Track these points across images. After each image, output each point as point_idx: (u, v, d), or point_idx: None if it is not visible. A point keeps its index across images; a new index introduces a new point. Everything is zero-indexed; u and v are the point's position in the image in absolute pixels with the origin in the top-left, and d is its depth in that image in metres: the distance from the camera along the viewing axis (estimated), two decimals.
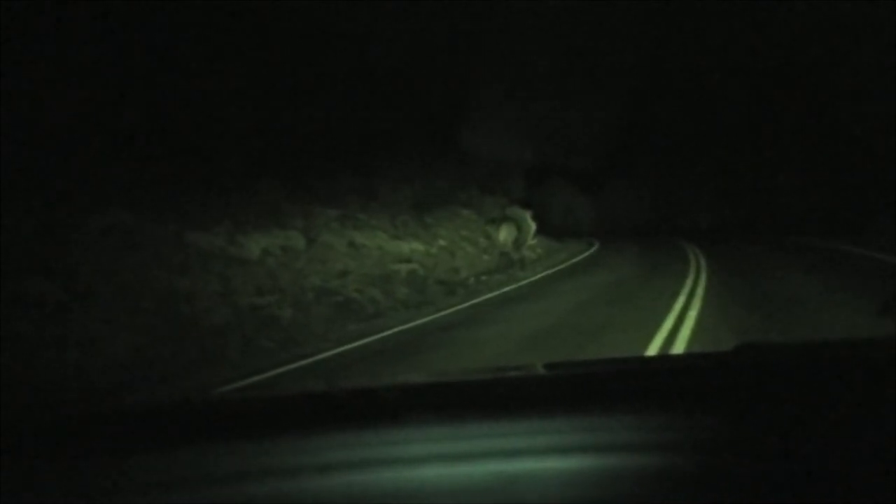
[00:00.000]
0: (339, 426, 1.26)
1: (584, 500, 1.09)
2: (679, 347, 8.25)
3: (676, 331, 9.21)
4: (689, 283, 14.60)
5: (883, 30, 23.65)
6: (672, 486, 1.10)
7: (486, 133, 22.46)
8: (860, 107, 26.54)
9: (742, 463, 1.13)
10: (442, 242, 20.77)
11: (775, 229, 32.16)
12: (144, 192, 13.61)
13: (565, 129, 28.40)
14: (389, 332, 11.08)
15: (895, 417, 1.22)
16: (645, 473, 1.12)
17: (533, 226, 25.25)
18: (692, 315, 10.36)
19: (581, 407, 1.29)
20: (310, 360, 9.18)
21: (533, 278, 18.56)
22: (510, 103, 23.33)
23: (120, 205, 12.78)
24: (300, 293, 13.38)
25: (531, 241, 24.94)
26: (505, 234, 23.54)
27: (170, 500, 1.14)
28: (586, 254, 27.05)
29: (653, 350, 8.28)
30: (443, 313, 12.83)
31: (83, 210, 11.98)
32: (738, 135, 37.53)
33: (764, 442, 1.18)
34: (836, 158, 29.93)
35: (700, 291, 13.14)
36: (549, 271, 20.42)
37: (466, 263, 19.85)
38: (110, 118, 13.43)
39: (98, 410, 1.54)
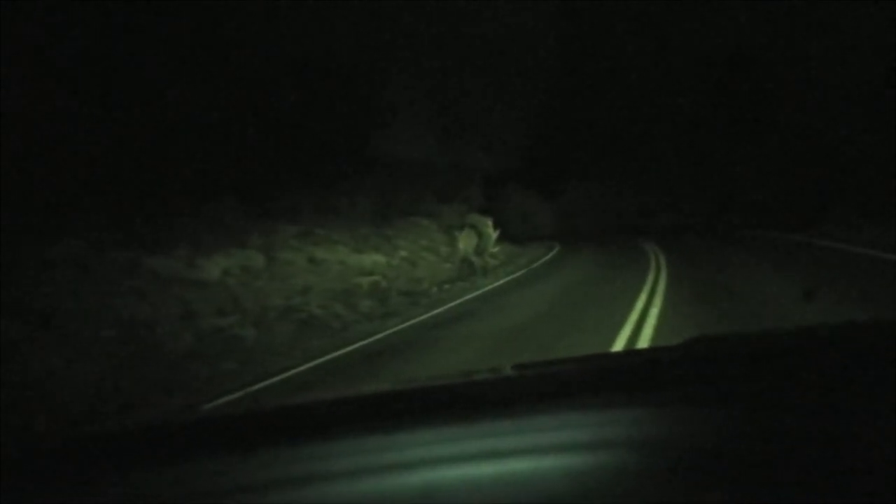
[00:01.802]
0: (272, 443, 1.26)
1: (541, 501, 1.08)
2: (643, 344, 8.35)
3: (640, 328, 9.33)
4: (650, 280, 14.77)
5: (836, 24, 24.14)
6: (632, 483, 1.10)
7: (442, 141, 22.51)
8: (814, 101, 27.04)
9: (699, 458, 1.14)
10: (403, 253, 20.76)
11: (733, 224, 32.76)
12: (98, 219, 13.43)
13: (519, 134, 28.55)
14: (354, 345, 11.02)
15: (847, 407, 1.23)
16: (608, 471, 1.13)
17: (494, 232, 25.30)
18: (654, 312, 10.47)
19: (537, 406, 1.30)
20: (275, 378, 9.09)
21: (496, 284, 18.59)
22: (463, 111, 23.41)
23: (73, 234, 12.60)
24: (262, 312, 13.28)
25: (493, 248, 24.98)
26: (465, 241, 23.54)
27: None
28: (547, 257, 27.18)
29: (617, 347, 8.37)
30: (408, 323, 12.80)
31: (36, 242, 11.79)
32: (693, 133, 38.00)
33: (718, 435, 1.19)
34: (791, 153, 30.43)
35: (661, 288, 13.30)
36: (512, 276, 20.48)
37: (428, 273, 19.84)
38: (59, 146, 13.22)
39: (76, 433, 1.52)
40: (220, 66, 16.66)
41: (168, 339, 11.03)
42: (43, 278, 11.17)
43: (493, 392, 1.45)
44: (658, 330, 9.18)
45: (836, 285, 11.50)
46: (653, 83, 34.53)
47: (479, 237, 23.88)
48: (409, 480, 1.14)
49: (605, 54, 30.12)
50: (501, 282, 19.14)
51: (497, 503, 1.08)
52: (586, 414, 1.28)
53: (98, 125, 14.05)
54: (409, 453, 1.20)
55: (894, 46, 22.23)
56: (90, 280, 11.81)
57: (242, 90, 17.44)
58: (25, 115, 12.42)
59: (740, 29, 28.46)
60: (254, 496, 1.13)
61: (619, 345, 8.50)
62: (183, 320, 11.96)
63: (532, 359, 1.73)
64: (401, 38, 20.43)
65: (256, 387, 8.68)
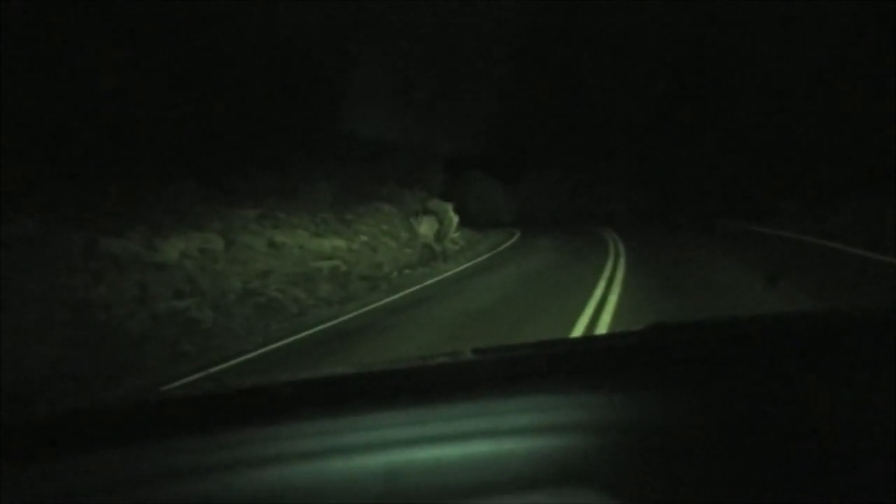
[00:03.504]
0: (234, 424, 1.25)
1: (479, 484, 1.09)
2: (602, 329, 8.44)
3: (598, 315, 9.43)
4: (609, 265, 14.94)
5: (787, 17, 24.48)
6: (592, 465, 1.10)
7: (402, 127, 22.46)
8: (767, 95, 27.43)
9: (657, 441, 1.15)
10: (363, 238, 20.68)
11: (689, 213, 33.28)
12: (53, 199, 13.19)
13: (481, 120, 28.58)
14: (313, 330, 10.98)
15: (804, 391, 1.25)
16: (568, 453, 1.13)
17: (455, 218, 25.30)
18: (612, 300, 10.58)
19: (499, 390, 1.30)
20: (232, 362, 9.03)
21: (456, 269, 18.62)
22: (424, 96, 23.36)
23: (24, 214, 12.35)
24: (221, 295, 13.16)
25: (453, 234, 25.00)
26: (426, 227, 23.54)
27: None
28: (508, 243, 27.29)
29: (578, 331, 8.45)
30: (367, 308, 12.78)
31: None
32: (652, 123, 38.32)
33: (676, 419, 1.20)
34: (746, 145, 30.87)
35: (620, 275, 13.44)
36: (473, 262, 20.52)
37: (389, 258, 19.80)
38: (12, 123, 12.93)
39: (34, 416, 1.48)
40: (179, 47, 16.41)
41: (124, 322, 10.88)
42: None
43: (455, 376, 1.45)
44: (616, 313, 9.31)
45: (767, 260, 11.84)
46: (610, 75, 34.77)
47: (440, 222, 23.92)
48: (373, 461, 1.14)
49: (566, 44, 30.27)
50: (462, 267, 19.17)
51: (460, 484, 1.08)
52: (547, 398, 1.28)
53: (54, 104, 13.77)
54: (373, 435, 1.20)
55: (842, 39, 22.65)
56: (44, 260, 11.59)
57: (203, 72, 17.21)
58: None
59: (695, 23, 28.78)
60: (217, 476, 1.12)
61: (579, 329, 8.58)
62: (139, 303, 11.81)
63: (492, 344, 1.73)
64: (364, 21, 20.30)
65: (213, 369, 8.61)
